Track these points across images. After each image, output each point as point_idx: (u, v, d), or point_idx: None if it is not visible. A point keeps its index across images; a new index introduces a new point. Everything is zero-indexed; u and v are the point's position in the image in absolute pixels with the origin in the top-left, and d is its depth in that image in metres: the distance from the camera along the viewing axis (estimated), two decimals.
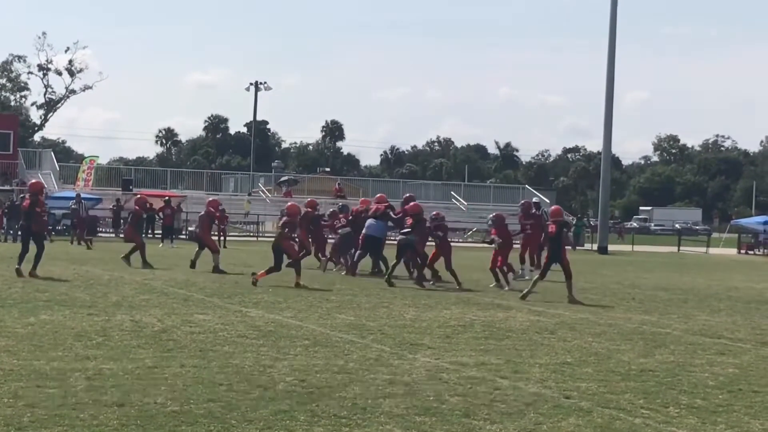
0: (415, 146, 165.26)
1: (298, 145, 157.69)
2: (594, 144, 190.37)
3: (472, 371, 9.54)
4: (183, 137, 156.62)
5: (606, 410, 7.94)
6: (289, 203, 21.67)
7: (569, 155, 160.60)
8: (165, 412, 7.22)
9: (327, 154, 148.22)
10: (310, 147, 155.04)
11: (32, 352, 9.78)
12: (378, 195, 27.79)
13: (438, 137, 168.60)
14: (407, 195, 26.22)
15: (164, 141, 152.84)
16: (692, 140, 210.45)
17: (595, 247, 50.02)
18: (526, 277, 23.72)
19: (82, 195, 50.94)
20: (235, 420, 7.07)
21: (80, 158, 78.48)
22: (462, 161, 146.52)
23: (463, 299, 17.53)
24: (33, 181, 22.59)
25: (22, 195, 24.76)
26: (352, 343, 11.28)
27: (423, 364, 9.85)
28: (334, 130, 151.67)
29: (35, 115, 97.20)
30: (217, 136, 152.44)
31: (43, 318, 12.58)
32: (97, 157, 66.14)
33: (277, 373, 9.00)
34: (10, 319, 12.29)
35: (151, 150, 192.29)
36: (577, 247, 53.08)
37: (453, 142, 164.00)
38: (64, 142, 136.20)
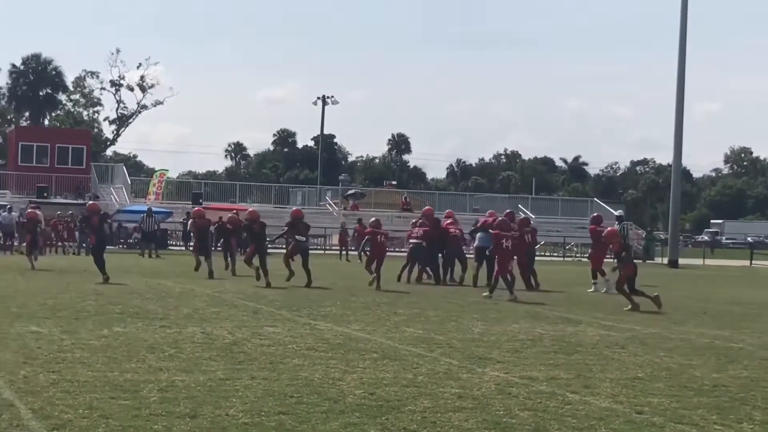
0: (482, 159, 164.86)
1: (364, 159, 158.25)
2: (664, 156, 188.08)
3: (541, 386, 9.48)
4: (251, 151, 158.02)
5: (679, 426, 7.83)
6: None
7: (638, 168, 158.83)
8: (237, 424, 7.30)
9: (393, 168, 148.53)
10: (377, 160, 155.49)
11: (107, 363, 9.94)
12: (447, 211, 28.09)
13: (505, 150, 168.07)
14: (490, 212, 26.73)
15: (233, 155, 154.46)
16: (765, 152, 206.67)
17: (665, 260, 49.38)
18: (602, 290, 23.65)
19: (158, 209, 51.74)
20: None
21: (151, 172, 79.53)
22: (529, 174, 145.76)
23: (531, 313, 17.43)
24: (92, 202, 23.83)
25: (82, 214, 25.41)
26: (420, 356, 11.28)
27: (492, 378, 9.81)
28: (400, 144, 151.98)
29: (107, 130, 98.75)
30: (285, 149, 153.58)
31: (116, 330, 12.79)
32: (167, 170, 67.16)
33: (346, 386, 9.04)
34: (84, 332, 12.52)
35: (220, 164, 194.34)
36: (648, 261, 52.46)
37: (520, 155, 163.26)
38: (135, 156, 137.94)
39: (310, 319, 15.19)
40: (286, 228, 24.79)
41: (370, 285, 22.92)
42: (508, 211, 25.48)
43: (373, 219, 25.60)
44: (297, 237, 24.37)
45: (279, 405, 8.03)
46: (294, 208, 27.59)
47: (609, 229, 20.65)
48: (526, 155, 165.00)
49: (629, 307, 18.67)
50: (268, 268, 22.67)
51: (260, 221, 23.77)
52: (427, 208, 25.81)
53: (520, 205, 60.97)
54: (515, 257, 22.49)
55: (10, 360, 9.93)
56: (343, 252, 42.67)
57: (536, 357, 11.58)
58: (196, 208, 29.88)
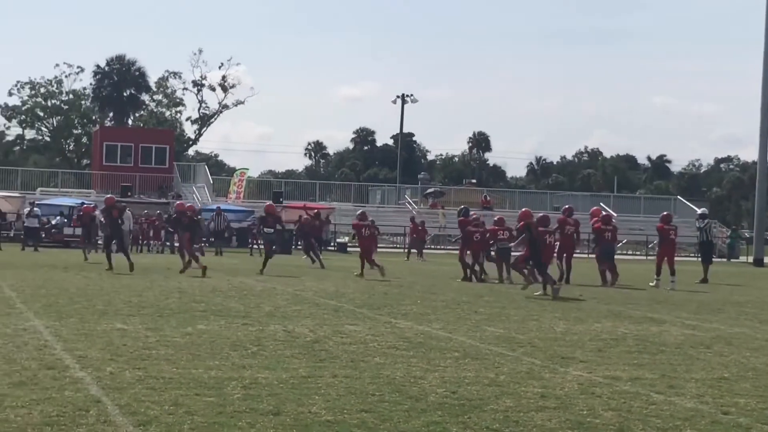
0: (563, 157, 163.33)
1: (443, 157, 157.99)
2: (749, 153, 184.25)
3: (625, 386, 9.37)
4: (331, 150, 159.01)
5: (765, 427, 7.68)
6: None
7: (722, 165, 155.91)
8: (320, 421, 7.35)
9: (473, 166, 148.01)
10: (456, 159, 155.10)
11: (191, 361, 10.09)
12: (523, 210, 28.00)
13: (586, 147, 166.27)
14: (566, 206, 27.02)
15: (313, 154, 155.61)
16: None
17: (750, 259, 48.41)
18: (668, 288, 23.90)
19: (234, 208, 52.38)
20: (388, 431, 7.14)
21: (232, 171, 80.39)
22: (611, 172, 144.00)
23: (614, 312, 17.23)
24: (179, 202, 25.55)
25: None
26: (502, 355, 11.23)
27: (575, 378, 9.73)
28: (480, 142, 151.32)
29: (189, 130, 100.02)
30: (365, 148, 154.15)
31: (200, 328, 12.98)
32: (248, 169, 67.76)
33: (428, 385, 9.04)
34: (168, 329, 12.72)
35: (300, 162, 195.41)
36: (732, 260, 51.51)
37: (602, 153, 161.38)
38: (216, 155, 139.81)
39: (390, 317, 15.23)
40: (257, 221, 26.72)
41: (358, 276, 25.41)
42: (566, 207, 26.93)
43: (359, 212, 27.05)
44: (265, 230, 27.17)
45: (361, 403, 8.07)
46: (268, 202, 31.46)
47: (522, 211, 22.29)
48: (608, 153, 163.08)
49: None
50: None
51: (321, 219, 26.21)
52: (524, 210, 25.77)
53: (602, 203, 60.32)
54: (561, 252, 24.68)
55: (97, 357, 10.14)
56: (412, 251, 42.47)
57: (620, 357, 11.44)
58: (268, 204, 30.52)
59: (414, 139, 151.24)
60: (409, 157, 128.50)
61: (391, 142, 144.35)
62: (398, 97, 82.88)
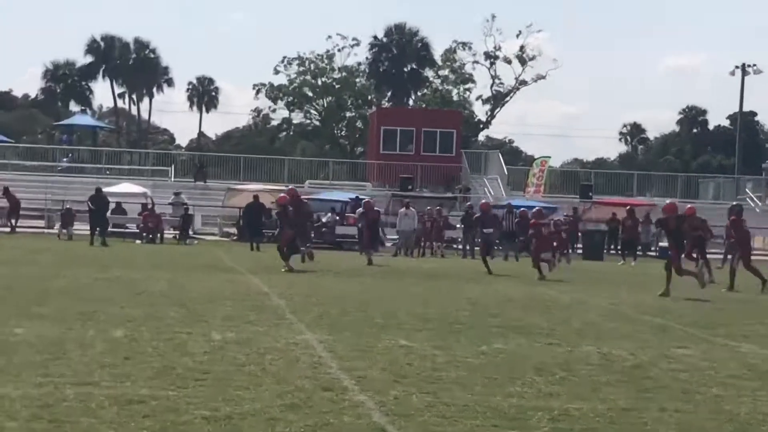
0: None
1: None
2: None
3: None
4: (651, 133, 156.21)
5: None
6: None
7: None
8: None
9: None
10: None
11: (487, 385, 10.21)
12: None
13: None
14: None
15: (628, 138, 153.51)
16: None
17: None
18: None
19: (533, 203, 52.42)
20: None
21: (530, 160, 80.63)
22: None
23: None
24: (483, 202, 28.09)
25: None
26: None
27: None
28: None
29: (480, 111, 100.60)
30: (694, 131, 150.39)
31: (496, 347, 13.10)
32: (549, 157, 67.60)
33: None
34: (459, 347, 12.93)
35: (612, 149, 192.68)
36: None
37: None
38: (511, 141, 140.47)
39: (728, 339, 14.80)
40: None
41: None
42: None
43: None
44: (484, 230, 29.19)
45: None
46: (482, 201, 33.14)
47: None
48: None
49: None
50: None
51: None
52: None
53: None
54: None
55: (379, 378, 10.45)
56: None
57: None
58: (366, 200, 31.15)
59: (756, 119, 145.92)
60: (750, 141, 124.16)
61: (727, 123, 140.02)
62: (737, 67, 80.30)
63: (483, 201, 35.34)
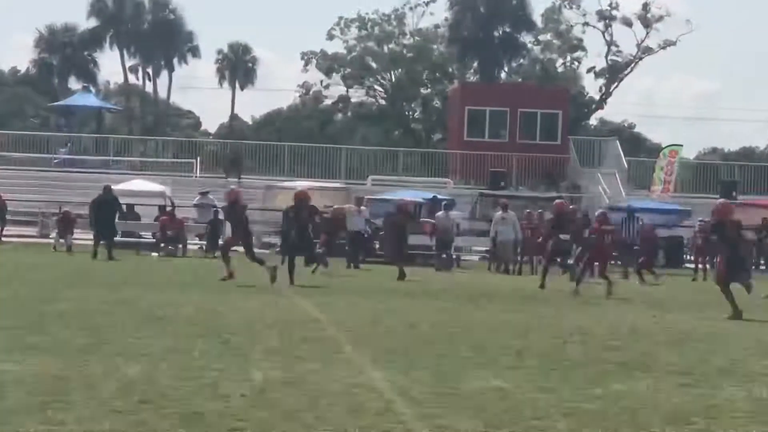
0: None
1: None
2: None
3: None
4: None
5: None
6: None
7: None
8: None
9: None
10: None
11: None
12: None
13: None
14: None
15: None
16: None
17: None
18: None
19: (659, 206, 52.15)
20: None
21: (657, 150, 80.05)
22: None
23: None
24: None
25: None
26: None
27: None
28: None
29: (592, 87, 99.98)
30: None
31: (615, 388, 13.05)
32: (681, 146, 67.03)
33: None
34: (568, 389, 12.89)
35: (762, 137, 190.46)
36: None
37: None
38: (633, 126, 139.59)
39: None
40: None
41: None
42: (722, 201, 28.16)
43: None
44: None
45: None
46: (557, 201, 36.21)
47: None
48: None
49: None
50: None
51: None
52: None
53: None
54: None
55: (465, 428, 10.45)
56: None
57: None
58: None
59: None
60: None
61: None
62: None
63: (558, 200, 35.57)
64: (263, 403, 11.38)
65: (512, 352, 16.24)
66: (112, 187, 44.24)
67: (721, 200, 28.93)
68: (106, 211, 40.35)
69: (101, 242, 39.54)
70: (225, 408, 10.99)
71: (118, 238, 42.65)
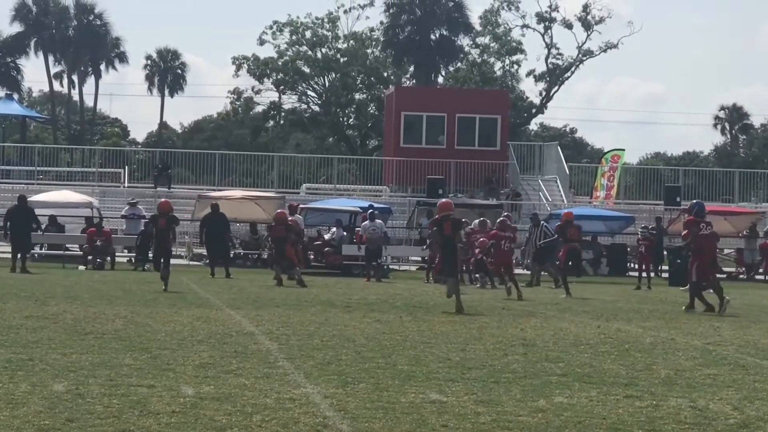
0: None
1: None
2: None
3: None
4: (756, 119, 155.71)
5: None
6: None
7: None
8: None
9: None
10: None
11: None
12: None
13: None
14: None
15: (727, 126, 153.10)
16: None
17: None
18: None
19: (602, 213, 52.51)
20: None
21: (598, 155, 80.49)
22: None
23: None
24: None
25: None
26: None
27: None
28: None
29: (532, 92, 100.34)
30: None
31: (557, 401, 13.10)
32: (623, 150, 67.42)
33: None
34: (510, 402, 12.93)
35: (705, 141, 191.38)
36: None
37: None
38: (573, 131, 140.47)
39: None
40: None
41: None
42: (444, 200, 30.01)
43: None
44: None
45: None
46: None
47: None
48: None
49: None
50: None
51: None
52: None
53: None
54: None
55: None
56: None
57: None
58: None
59: None
60: None
61: None
62: None
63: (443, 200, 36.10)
64: (194, 420, 11.35)
65: (452, 365, 16.26)
66: (38, 198, 43.99)
67: (444, 199, 30.39)
68: (21, 222, 40.08)
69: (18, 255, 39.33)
70: (156, 425, 10.95)
71: (43, 251, 42.42)
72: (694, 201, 31.54)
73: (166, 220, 32.92)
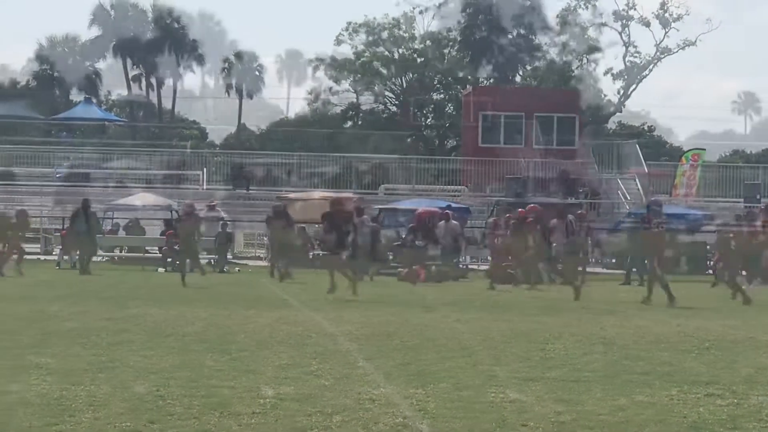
0: None
1: None
2: None
3: None
4: None
5: None
6: None
7: None
8: None
9: None
10: None
11: None
12: None
13: None
14: None
15: None
16: None
17: None
18: None
19: (685, 211, 52.08)
20: None
21: (678, 154, 79.73)
22: None
23: None
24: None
25: None
26: None
27: None
28: None
29: (610, 90, 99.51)
30: None
31: (639, 399, 13.07)
32: (704, 150, 66.91)
33: None
34: (590, 400, 12.89)
35: None
36: None
37: None
38: (652, 129, 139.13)
39: None
40: None
41: None
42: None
43: None
44: None
45: None
46: None
47: None
48: None
49: None
50: None
51: None
52: None
53: None
54: None
55: None
56: None
57: None
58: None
59: None
60: None
61: None
62: None
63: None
64: (275, 420, 11.41)
65: (532, 363, 16.22)
66: (117, 201, 44.31)
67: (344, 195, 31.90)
68: (84, 224, 40.48)
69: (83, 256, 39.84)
70: (237, 426, 11.01)
71: (123, 254, 42.77)
72: None
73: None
